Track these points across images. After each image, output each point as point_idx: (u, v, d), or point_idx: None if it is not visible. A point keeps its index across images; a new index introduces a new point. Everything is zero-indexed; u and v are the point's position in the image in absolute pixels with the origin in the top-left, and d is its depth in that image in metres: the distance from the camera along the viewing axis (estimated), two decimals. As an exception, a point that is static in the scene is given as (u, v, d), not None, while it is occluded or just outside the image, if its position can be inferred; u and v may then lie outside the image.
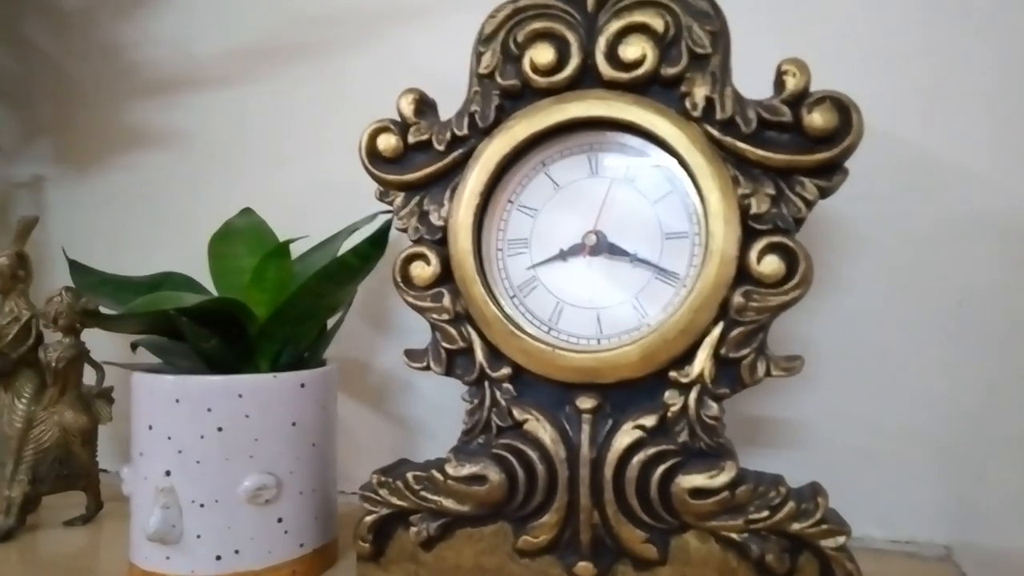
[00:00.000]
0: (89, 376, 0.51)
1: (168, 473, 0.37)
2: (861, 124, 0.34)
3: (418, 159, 0.40)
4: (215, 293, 0.46)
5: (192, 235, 0.59)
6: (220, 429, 0.37)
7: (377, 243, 0.41)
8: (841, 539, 0.33)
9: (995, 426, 0.44)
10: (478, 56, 0.40)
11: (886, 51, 0.47)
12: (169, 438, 0.37)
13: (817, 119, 0.35)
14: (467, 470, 0.37)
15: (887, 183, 0.46)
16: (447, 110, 0.54)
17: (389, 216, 0.47)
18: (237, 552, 0.37)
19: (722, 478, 0.34)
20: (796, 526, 0.34)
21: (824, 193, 0.35)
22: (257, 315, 0.41)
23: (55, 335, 0.50)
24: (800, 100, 0.35)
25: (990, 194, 0.45)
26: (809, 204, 0.35)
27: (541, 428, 0.36)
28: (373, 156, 0.40)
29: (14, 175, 0.65)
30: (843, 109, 0.34)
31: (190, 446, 0.37)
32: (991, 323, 0.45)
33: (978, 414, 0.45)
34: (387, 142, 0.40)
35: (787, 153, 0.35)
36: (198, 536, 0.37)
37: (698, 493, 0.34)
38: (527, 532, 0.36)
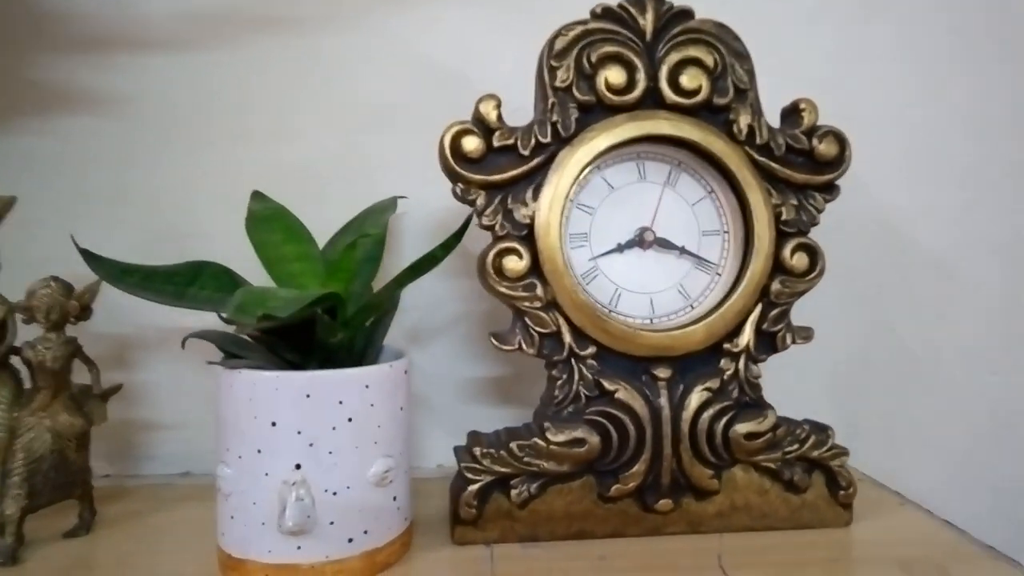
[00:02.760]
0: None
1: (298, 466, 0.38)
2: (851, 154, 0.46)
3: (500, 161, 0.44)
4: (251, 282, 0.45)
5: (128, 213, 0.55)
6: (350, 419, 0.39)
7: (459, 238, 0.44)
8: (846, 459, 0.46)
9: (878, 363, 0.61)
10: (551, 70, 0.44)
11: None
12: (299, 432, 0.38)
13: (825, 148, 0.46)
14: (566, 435, 0.43)
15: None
16: (430, 95, 0.58)
17: (396, 199, 0.51)
18: (366, 533, 0.39)
19: (767, 423, 0.45)
20: (815, 453, 0.46)
21: (826, 204, 0.47)
22: (347, 307, 0.42)
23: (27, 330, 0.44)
24: (812, 132, 0.46)
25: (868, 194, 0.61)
26: (819, 212, 0.46)
27: (630, 396, 0.44)
28: (457, 156, 0.43)
29: None
30: (841, 141, 0.46)
31: (322, 438, 0.38)
32: (873, 290, 0.61)
33: (860, 356, 0.61)
34: (472, 144, 0.43)
35: (804, 173, 0.46)
36: (331, 523, 0.38)
37: (751, 436, 0.44)
38: (619, 481, 0.44)
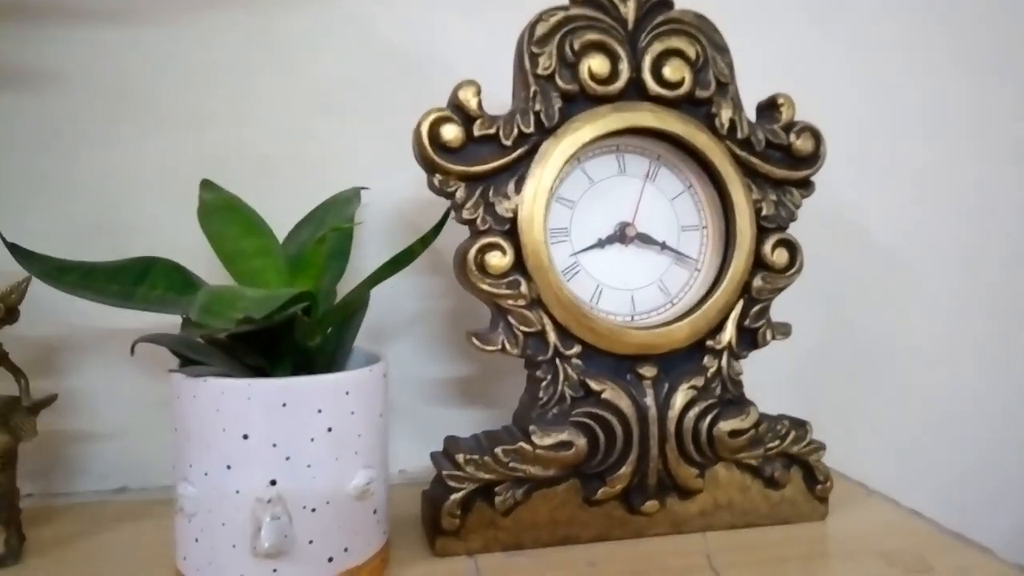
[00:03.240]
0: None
1: (274, 482, 0.35)
2: (826, 150, 0.47)
3: (481, 151, 0.42)
4: (207, 279, 0.41)
5: (53, 203, 0.50)
6: (330, 429, 0.36)
7: (438, 231, 0.42)
8: (823, 453, 0.46)
9: (835, 358, 0.62)
10: (532, 56, 0.42)
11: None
12: (274, 444, 0.34)
13: (802, 144, 0.46)
14: (553, 438, 0.41)
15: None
16: (390, 78, 0.55)
17: (361, 190, 0.48)
18: (346, 550, 0.37)
19: (750, 420, 0.44)
20: (795, 448, 0.46)
21: (803, 200, 0.47)
22: (318, 306, 0.39)
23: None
24: (790, 127, 0.46)
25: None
26: (797, 208, 0.46)
27: (617, 396, 0.42)
28: (435, 145, 0.41)
29: None
30: (817, 137, 0.46)
31: (299, 450, 0.35)
32: (821, 286, 0.62)
33: (819, 350, 0.62)
34: (451, 132, 0.41)
35: (783, 169, 0.46)
36: (310, 542, 0.35)
37: (734, 433, 0.44)
38: (606, 484, 0.42)
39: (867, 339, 0.63)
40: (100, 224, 0.51)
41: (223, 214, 0.43)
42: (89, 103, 0.51)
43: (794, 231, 0.57)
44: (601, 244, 0.45)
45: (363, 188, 0.49)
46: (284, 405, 0.35)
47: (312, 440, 0.35)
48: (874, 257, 0.63)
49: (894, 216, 0.63)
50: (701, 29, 0.45)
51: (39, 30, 0.50)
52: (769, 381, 0.60)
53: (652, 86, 0.43)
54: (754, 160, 0.45)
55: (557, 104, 0.42)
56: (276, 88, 0.54)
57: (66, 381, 0.51)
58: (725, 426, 0.44)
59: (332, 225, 0.43)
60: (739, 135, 0.45)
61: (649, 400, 0.43)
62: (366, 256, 0.53)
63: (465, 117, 0.41)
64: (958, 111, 0.64)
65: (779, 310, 0.49)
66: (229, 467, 0.35)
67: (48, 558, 0.42)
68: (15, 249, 0.37)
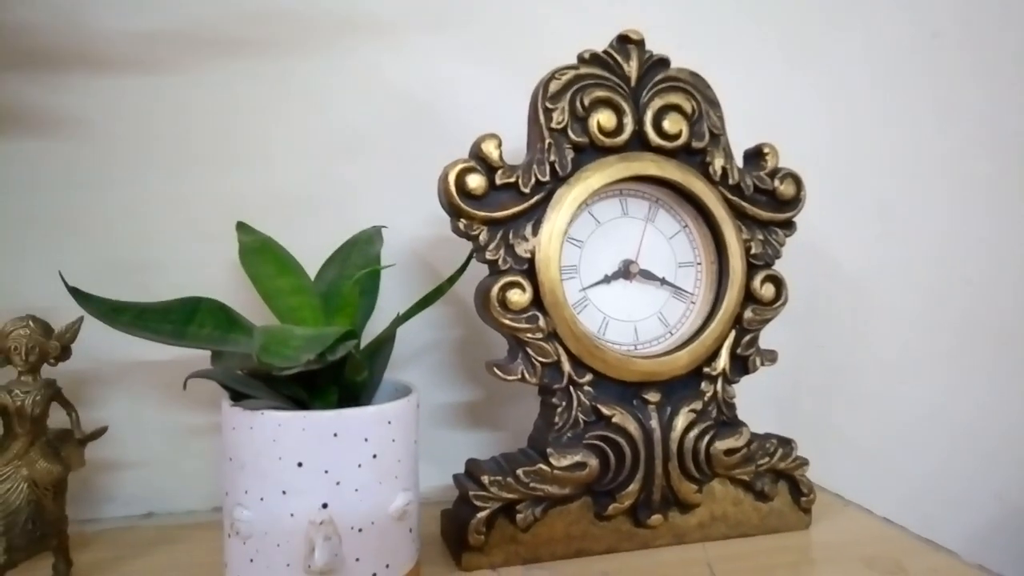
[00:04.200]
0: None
1: (325, 506, 0.38)
2: (806, 194, 0.52)
3: (502, 198, 0.46)
4: (248, 318, 0.45)
5: (84, 242, 0.53)
6: (375, 456, 0.39)
7: (463, 271, 0.46)
8: (807, 468, 0.51)
9: (807, 379, 0.68)
10: (547, 112, 0.47)
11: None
12: (326, 471, 0.38)
13: (785, 188, 0.51)
14: (569, 460, 0.45)
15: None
16: (403, 123, 0.58)
17: (378, 228, 0.51)
18: (388, 566, 0.40)
19: (743, 439, 0.49)
20: (782, 464, 0.50)
21: (787, 239, 0.52)
22: (358, 342, 0.42)
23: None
24: (775, 174, 0.51)
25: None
26: (781, 246, 0.51)
27: (625, 420, 0.46)
28: (461, 192, 0.45)
29: None
30: (798, 182, 0.51)
31: (348, 476, 0.38)
32: (793, 312, 0.67)
33: (792, 371, 0.68)
34: (476, 181, 0.45)
35: (768, 211, 0.51)
36: (357, 559, 0.39)
37: (729, 452, 0.48)
38: (616, 500, 0.46)
39: (836, 360, 0.69)
40: (128, 262, 0.53)
41: (259, 255, 0.46)
42: (115, 147, 0.53)
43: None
44: (607, 280, 0.49)
45: (382, 227, 0.53)
46: (335, 435, 0.38)
47: (359, 466, 0.39)
48: (841, 284, 0.69)
49: (859, 247, 0.69)
50: (696, 86, 0.50)
51: (66, 78, 0.52)
52: (748, 400, 0.65)
53: (654, 138, 0.48)
54: (744, 204, 0.50)
55: (569, 155, 0.47)
56: (296, 133, 0.57)
57: (93, 412, 0.53)
58: (721, 445, 0.48)
59: (362, 266, 0.46)
60: (730, 181, 0.50)
61: (654, 423, 0.47)
62: (383, 289, 0.56)
63: (488, 167, 0.45)
64: (924, 148, 0.70)
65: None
66: (284, 492, 0.38)
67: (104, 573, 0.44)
68: (75, 292, 0.40)
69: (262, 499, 0.38)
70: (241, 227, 0.48)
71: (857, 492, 0.67)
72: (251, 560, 0.39)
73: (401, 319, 0.44)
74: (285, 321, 0.44)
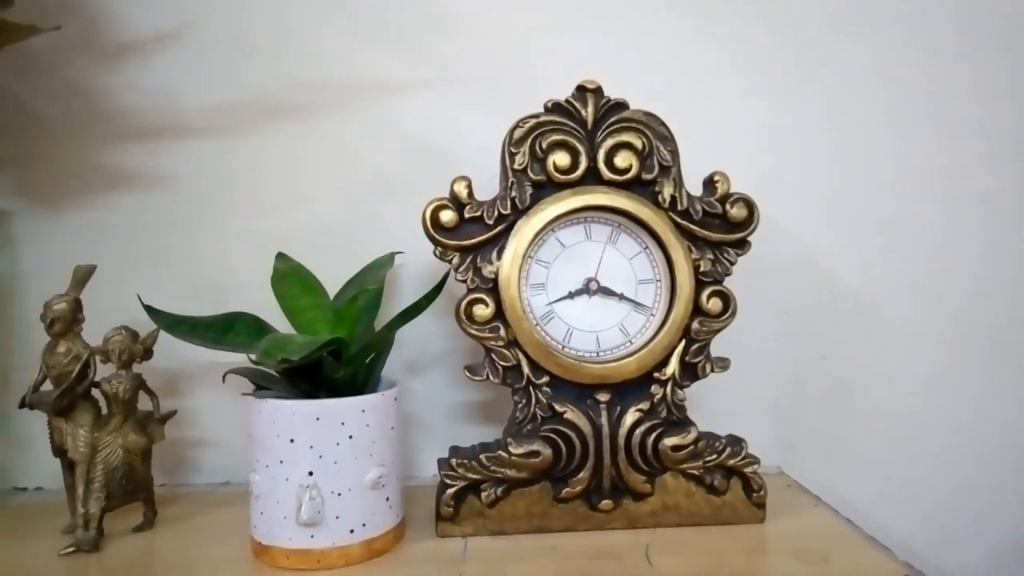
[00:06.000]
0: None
1: (311, 473, 0.49)
2: (759, 215, 0.57)
3: (471, 229, 0.55)
4: (279, 329, 0.57)
5: (173, 271, 0.67)
6: (351, 437, 0.50)
7: (439, 290, 0.55)
8: (756, 466, 0.56)
9: (810, 389, 0.71)
10: (511, 155, 0.56)
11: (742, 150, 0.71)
12: (311, 447, 0.49)
13: (736, 212, 0.56)
14: (524, 448, 0.54)
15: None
16: (421, 167, 0.69)
17: (394, 254, 0.62)
18: (364, 525, 0.50)
19: (690, 437, 0.55)
20: (732, 461, 0.56)
21: (738, 257, 0.57)
22: (349, 347, 0.53)
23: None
24: (725, 199, 0.56)
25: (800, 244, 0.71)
26: (732, 264, 0.57)
27: (576, 416, 0.54)
28: (436, 226, 0.55)
29: (-26, 208, 0.66)
30: (750, 205, 0.56)
31: (329, 451, 0.49)
32: (805, 325, 0.71)
33: (795, 383, 0.71)
34: (447, 216, 0.55)
35: (719, 232, 0.56)
36: (336, 517, 0.49)
37: (676, 448, 0.55)
38: (568, 485, 0.54)
39: (839, 372, 0.71)
40: (209, 286, 0.68)
41: (289, 278, 0.59)
42: (198, 197, 0.68)
43: (771, 280, 0.68)
44: (571, 295, 0.57)
45: (398, 252, 0.64)
46: (318, 419, 0.49)
47: (338, 444, 0.50)
48: (844, 298, 0.71)
49: (861, 262, 0.71)
50: (648, 124, 0.56)
51: (159, 144, 0.68)
52: (751, 410, 0.70)
53: (606, 172, 0.56)
54: (692, 227, 0.56)
55: (528, 191, 0.55)
56: (334, 177, 0.69)
57: (185, 402, 0.68)
58: (668, 442, 0.54)
59: (362, 286, 0.57)
60: (679, 207, 0.56)
61: (603, 420, 0.54)
62: (407, 302, 0.67)
63: (458, 204, 0.55)
64: (926, 165, 0.71)
65: (758, 347, 0.66)
66: (281, 462, 0.50)
67: (172, 527, 0.58)
68: (148, 309, 0.54)
69: (267, 466, 0.50)
70: (280, 257, 0.61)
71: (864, 501, 0.69)
72: (261, 513, 0.51)
73: (386, 328, 0.54)
74: (302, 332, 0.56)
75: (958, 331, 0.72)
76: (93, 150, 0.68)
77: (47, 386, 0.56)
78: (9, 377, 0.68)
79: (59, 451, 0.56)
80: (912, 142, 0.71)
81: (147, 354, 0.58)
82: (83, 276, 0.56)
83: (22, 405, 0.56)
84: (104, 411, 0.57)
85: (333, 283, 0.61)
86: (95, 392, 0.57)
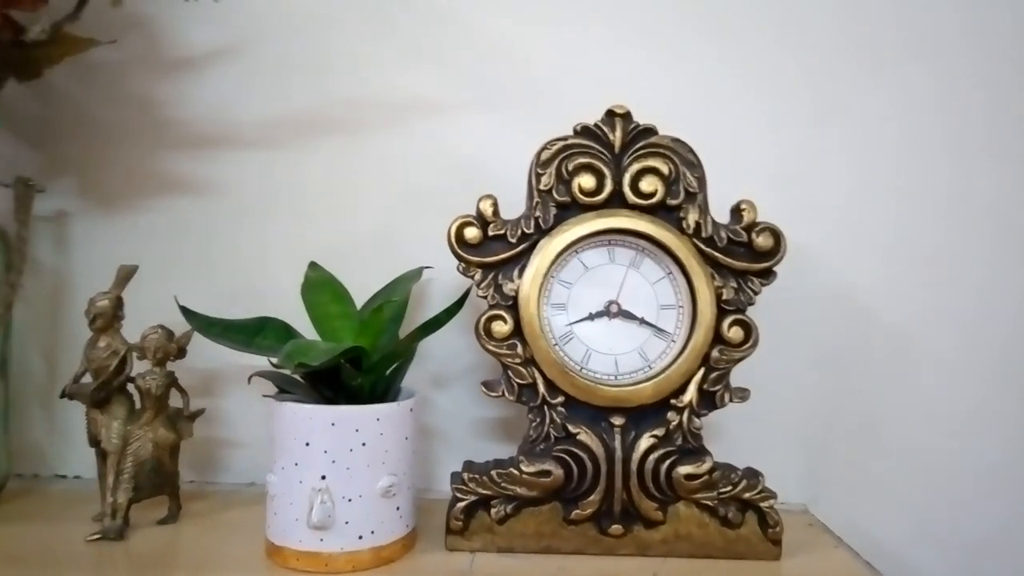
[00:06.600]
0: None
1: (324, 477, 0.50)
2: (786, 245, 0.56)
3: (494, 247, 0.56)
4: (305, 336, 0.59)
5: (215, 276, 0.70)
6: (364, 444, 0.51)
7: (460, 305, 0.56)
8: (772, 501, 0.55)
9: (840, 424, 0.69)
10: (538, 176, 0.56)
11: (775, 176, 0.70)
12: (325, 451, 0.50)
13: (762, 241, 0.56)
14: (536, 467, 0.54)
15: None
16: (453, 183, 0.70)
17: (423, 268, 0.63)
18: (373, 533, 0.51)
19: (704, 467, 0.54)
20: (747, 494, 0.55)
21: (763, 287, 0.56)
22: (371, 356, 0.55)
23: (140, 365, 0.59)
24: (752, 227, 0.56)
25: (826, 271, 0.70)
26: (756, 294, 0.56)
27: (589, 438, 0.54)
28: (460, 242, 0.56)
29: (38, 209, 0.70)
30: (776, 235, 0.56)
31: (342, 457, 0.50)
32: (827, 352, 0.69)
33: (823, 416, 0.69)
34: (472, 233, 0.56)
35: (743, 261, 0.56)
36: (346, 522, 0.50)
37: (690, 477, 0.54)
38: (578, 507, 0.54)
39: (871, 407, 0.69)
40: (246, 290, 0.71)
41: (319, 287, 0.60)
42: (241, 204, 0.71)
43: (802, 311, 0.68)
44: (591, 317, 0.57)
45: (427, 267, 0.65)
46: (333, 424, 0.51)
47: (351, 450, 0.51)
48: (879, 331, 0.69)
49: (901, 294, 0.69)
50: (675, 151, 0.56)
51: (210, 153, 0.71)
52: (776, 442, 0.68)
53: (631, 196, 0.56)
54: (716, 254, 0.56)
55: (553, 211, 0.56)
56: (373, 191, 0.72)
57: (218, 401, 0.71)
58: (682, 470, 0.54)
59: (387, 298, 0.59)
60: (704, 234, 0.56)
61: (617, 444, 0.54)
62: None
63: (483, 222, 0.56)
64: (966, 196, 0.69)
65: (783, 379, 0.67)
66: (296, 464, 0.51)
67: (195, 522, 0.60)
68: (184, 310, 0.56)
69: (283, 468, 0.52)
70: (312, 266, 0.63)
71: (896, 543, 0.67)
72: (275, 514, 0.52)
73: (407, 339, 0.55)
74: (327, 339, 0.58)
75: (999, 370, 0.69)
76: (148, 157, 0.72)
77: (87, 379, 0.59)
78: (57, 369, 0.71)
79: (94, 441, 0.59)
80: (952, 173, 0.69)
81: (180, 353, 0.60)
82: (126, 275, 0.59)
83: (62, 395, 0.59)
84: (138, 406, 0.60)
85: (366, 295, 0.63)
86: (130, 387, 0.59)
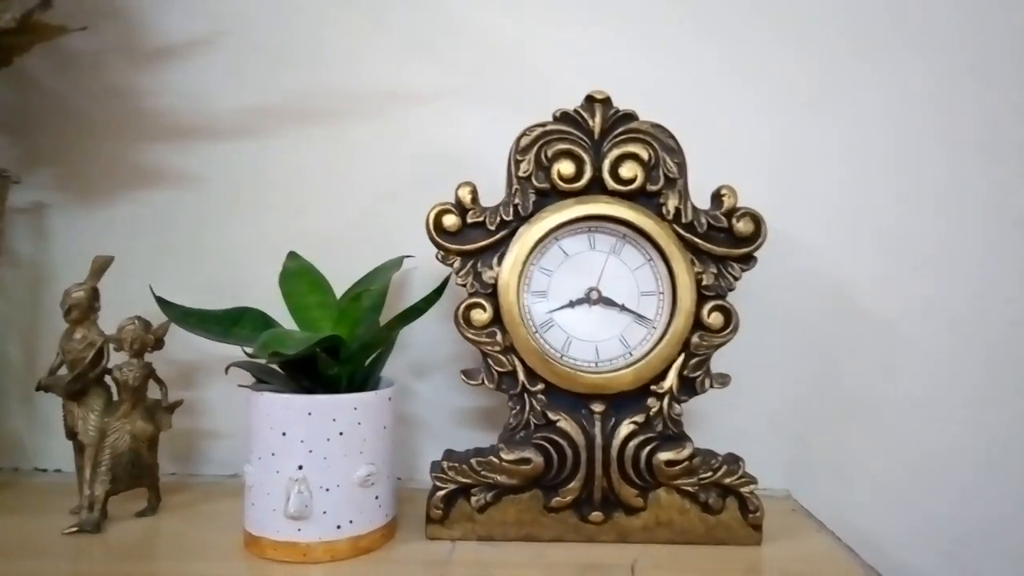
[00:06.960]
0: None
1: (300, 467, 0.50)
2: (767, 231, 0.56)
3: (473, 234, 0.55)
4: (285, 326, 0.58)
5: (197, 267, 0.70)
6: (341, 433, 0.51)
7: (439, 293, 0.56)
8: (753, 486, 0.54)
9: (817, 410, 0.69)
10: (517, 163, 0.56)
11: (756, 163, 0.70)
12: (302, 441, 0.50)
13: (742, 227, 0.55)
14: (516, 455, 0.54)
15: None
16: (432, 173, 0.70)
17: (406, 257, 0.63)
18: (351, 522, 0.51)
19: (684, 453, 0.54)
20: (727, 480, 0.54)
21: (743, 272, 0.56)
22: (348, 345, 0.54)
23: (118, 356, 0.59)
24: (732, 213, 0.56)
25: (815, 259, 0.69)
26: (736, 279, 0.56)
27: (569, 425, 0.54)
28: (439, 230, 0.55)
29: (14, 201, 0.69)
30: (757, 221, 0.56)
31: (319, 446, 0.50)
32: (813, 339, 0.69)
33: (807, 401, 0.69)
34: (450, 220, 0.55)
35: (724, 247, 0.56)
36: (324, 512, 0.50)
37: (670, 463, 0.54)
38: (558, 495, 0.54)
39: (856, 393, 0.69)
40: (227, 282, 0.70)
41: (296, 277, 0.60)
42: (222, 195, 0.70)
43: (789, 299, 0.68)
44: (572, 304, 0.57)
45: (408, 256, 0.65)
46: (309, 414, 0.50)
47: (328, 440, 0.50)
48: (865, 319, 0.69)
49: (886, 283, 0.69)
50: (655, 136, 0.56)
51: (192, 145, 0.70)
52: (759, 427, 0.68)
53: (610, 183, 0.55)
54: (696, 240, 0.55)
55: (532, 198, 0.56)
56: (351, 181, 0.71)
57: (198, 393, 0.70)
58: (662, 456, 0.54)
59: (366, 288, 0.58)
60: (683, 220, 0.55)
61: (596, 430, 0.54)
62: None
63: (462, 209, 0.56)
64: (952, 183, 0.69)
65: (770, 363, 0.67)
66: (273, 454, 0.51)
67: (174, 514, 0.60)
68: (160, 300, 0.56)
69: (260, 458, 0.51)
70: (291, 255, 0.63)
71: (880, 532, 0.67)
72: (252, 504, 0.52)
73: (386, 328, 0.55)
74: (305, 329, 0.57)
75: (988, 358, 0.69)
76: (127, 148, 0.71)
77: (63, 371, 0.59)
78: (36, 362, 0.71)
79: (71, 434, 0.59)
80: (945, 163, 0.69)
81: (158, 344, 0.60)
82: (101, 266, 0.59)
83: (38, 388, 0.58)
84: (115, 398, 0.59)
85: (346, 284, 0.62)
86: (108, 379, 0.59)
